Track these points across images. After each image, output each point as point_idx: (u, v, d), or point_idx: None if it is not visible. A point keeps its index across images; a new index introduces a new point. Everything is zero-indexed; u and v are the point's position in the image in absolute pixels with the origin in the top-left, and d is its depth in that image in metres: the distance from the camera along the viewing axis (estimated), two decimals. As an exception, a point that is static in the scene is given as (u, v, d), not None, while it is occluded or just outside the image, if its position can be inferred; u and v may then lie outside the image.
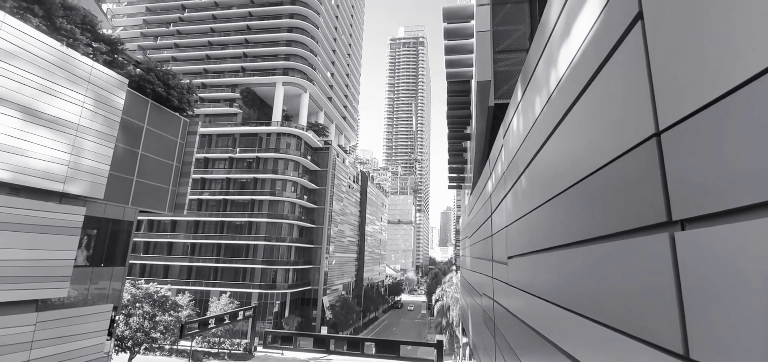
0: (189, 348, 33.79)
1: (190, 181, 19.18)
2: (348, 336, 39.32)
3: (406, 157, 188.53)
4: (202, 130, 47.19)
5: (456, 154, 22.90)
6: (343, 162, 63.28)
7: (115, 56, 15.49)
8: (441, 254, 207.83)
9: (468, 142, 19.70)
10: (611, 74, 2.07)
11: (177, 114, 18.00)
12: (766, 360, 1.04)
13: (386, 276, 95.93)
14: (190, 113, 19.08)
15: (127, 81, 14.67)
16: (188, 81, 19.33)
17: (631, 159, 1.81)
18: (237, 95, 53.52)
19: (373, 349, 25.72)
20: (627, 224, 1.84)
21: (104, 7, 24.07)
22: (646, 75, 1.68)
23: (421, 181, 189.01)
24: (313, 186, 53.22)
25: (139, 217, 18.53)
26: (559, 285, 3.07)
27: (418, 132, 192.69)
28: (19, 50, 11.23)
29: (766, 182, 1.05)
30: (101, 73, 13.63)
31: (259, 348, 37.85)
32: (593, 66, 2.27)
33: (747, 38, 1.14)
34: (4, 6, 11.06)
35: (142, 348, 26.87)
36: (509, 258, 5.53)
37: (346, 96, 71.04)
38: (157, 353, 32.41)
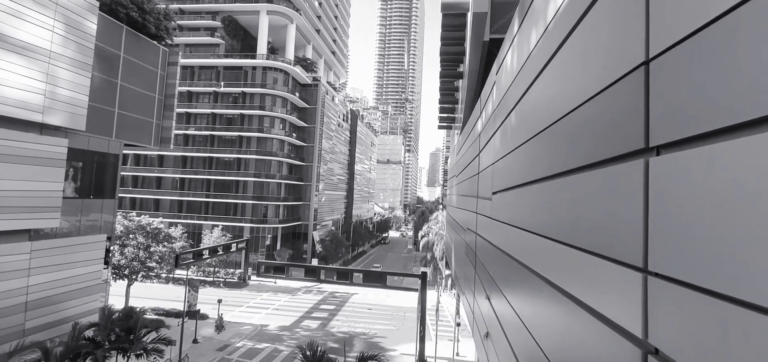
0: (185, 276, 35.10)
1: (175, 114, 18.65)
2: (337, 267, 41.33)
3: (397, 97, 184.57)
4: (183, 61, 44.62)
5: (447, 94, 22.52)
6: (333, 100, 61.76)
7: (82, -26, 14.13)
8: (428, 194, 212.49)
9: (460, 80, 19.31)
10: (609, 1, 2.04)
11: (155, 42, 17.00)
12: (717, 267, 1.18)
13: (374, 214, 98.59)
14: (169, 42, 18.06)
15: (98, 4, 13.62)
16: (164, 6, 18.02)
17: (618, 89, 1.85)
18: (218, 24, 50.23)
19: (362, 279, 27.23)
20: (608, 153, 1.93)
21: None
22: (644, 2, 1.67)
23: (411, 121, 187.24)
24: (302, 123, 52.34)
25: (124, 151, 18.26)
26: (540, 215, 3.25)
27: (411, 71, 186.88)
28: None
29: (739, 106, 1.12)
30: (68, -7, 12.56)
31: (253, 277, 39.67)
32: (592, -6, 2.22)
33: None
34: None
35: (139, 275, 27.87)
36: (493, 193, 5.75)
37: (335, 29, 67.39)
38: (154, 281, 33.70)
